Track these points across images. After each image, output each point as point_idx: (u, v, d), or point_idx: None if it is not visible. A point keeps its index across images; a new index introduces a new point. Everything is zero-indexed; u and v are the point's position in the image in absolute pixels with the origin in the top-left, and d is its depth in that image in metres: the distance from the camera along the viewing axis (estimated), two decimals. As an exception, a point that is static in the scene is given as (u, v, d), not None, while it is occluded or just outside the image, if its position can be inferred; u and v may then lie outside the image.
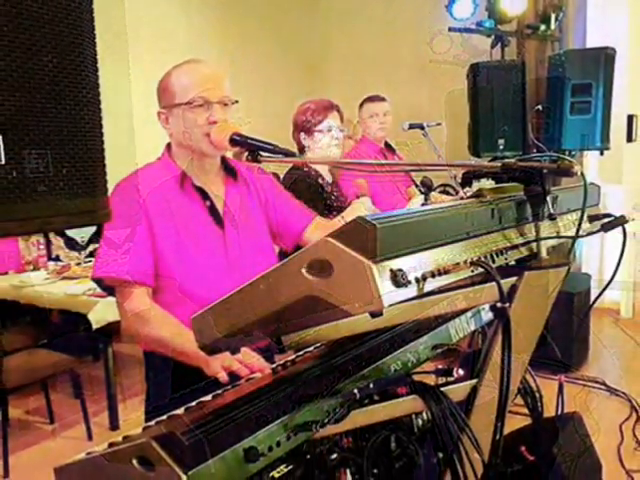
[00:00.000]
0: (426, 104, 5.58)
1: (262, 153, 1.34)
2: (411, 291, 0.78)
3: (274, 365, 1.26)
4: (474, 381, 1.10)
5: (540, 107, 4.09)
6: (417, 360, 1.18)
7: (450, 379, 1.14)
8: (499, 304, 0.97)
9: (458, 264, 0.87)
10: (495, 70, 3.78)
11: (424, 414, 1.07)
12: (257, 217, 1.79)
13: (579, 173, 1.01)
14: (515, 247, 1.06)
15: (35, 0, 0.64)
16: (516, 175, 1.06)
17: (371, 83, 4.50)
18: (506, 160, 1.07)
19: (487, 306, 1.26)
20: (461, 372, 1.15)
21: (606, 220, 1.23)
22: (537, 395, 1.33)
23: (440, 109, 4.98)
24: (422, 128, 3.47)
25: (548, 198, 1.04)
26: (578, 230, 1.10)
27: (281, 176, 2.72)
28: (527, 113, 3.74)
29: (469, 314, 1.33)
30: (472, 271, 0.90)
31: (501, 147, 3.70)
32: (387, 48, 6.05)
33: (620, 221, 1.20)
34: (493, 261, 0.98)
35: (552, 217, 1.06)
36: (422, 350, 1.20)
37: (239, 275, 1.58)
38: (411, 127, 3.50)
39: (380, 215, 0.79)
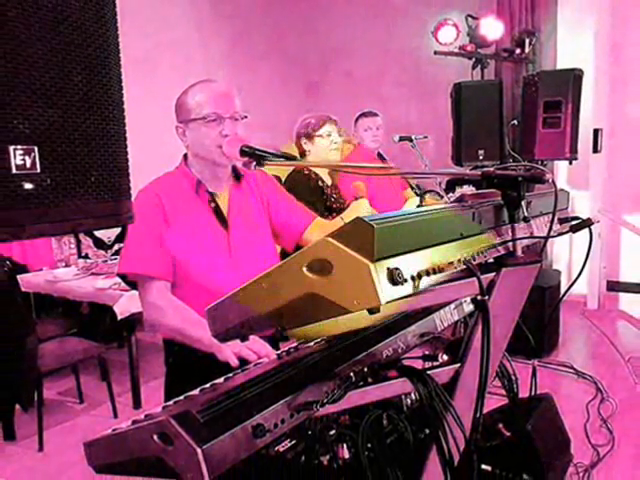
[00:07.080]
0: (415, 119, 5.59)
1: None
2: (407, 288, 0.74)
3: (279, 351, 1.26)
4: (457, 365, 1.10)
5: (515, 122, 4.09)
6: (406, 347, 1.18)
7: (435, 364, 1.14)
8: (479, 297, 0.97)
9: (452, 263, 0.85)
10: (475, 89, 3.78)
11: (412, 395, 1.07)
12: (259, 218, 1.75)
13: (550, 180, 1.01)
14: (493, 246, 1.06)
15: (67, 26, 0.64)
16: (494, 182, 1.06)
17: (366, 100, 4.50)
18: (485, 169, 1.07)
19: (469, 299, 1.26)
20: (445, 357, 1.15)
21: (574, 222, 1.23)
22: (513, 378, 1.33)
23: (427, 124, 4.98)
24: (411, 140, 3.48)
25: (523, 203, 1.04)
26: (549, 231, 1.10)
27: (282, 179, 2.65)
28: (504, 127, 3.73)
29: (453, 306, 1.33)
30: (455, 268, 0.90)
31: (481, 157, 3.70)
32: (381, 69, 6.05)
33: (587, 223, 1.20)
34: (474, 259, 0.98)
35: (526, 219, 1.05)
36: (411, 338, 1.20)
37: (242, 273, 1.54)
38: (401, 139, 3.52)
39: (378, 216, 0.75)
